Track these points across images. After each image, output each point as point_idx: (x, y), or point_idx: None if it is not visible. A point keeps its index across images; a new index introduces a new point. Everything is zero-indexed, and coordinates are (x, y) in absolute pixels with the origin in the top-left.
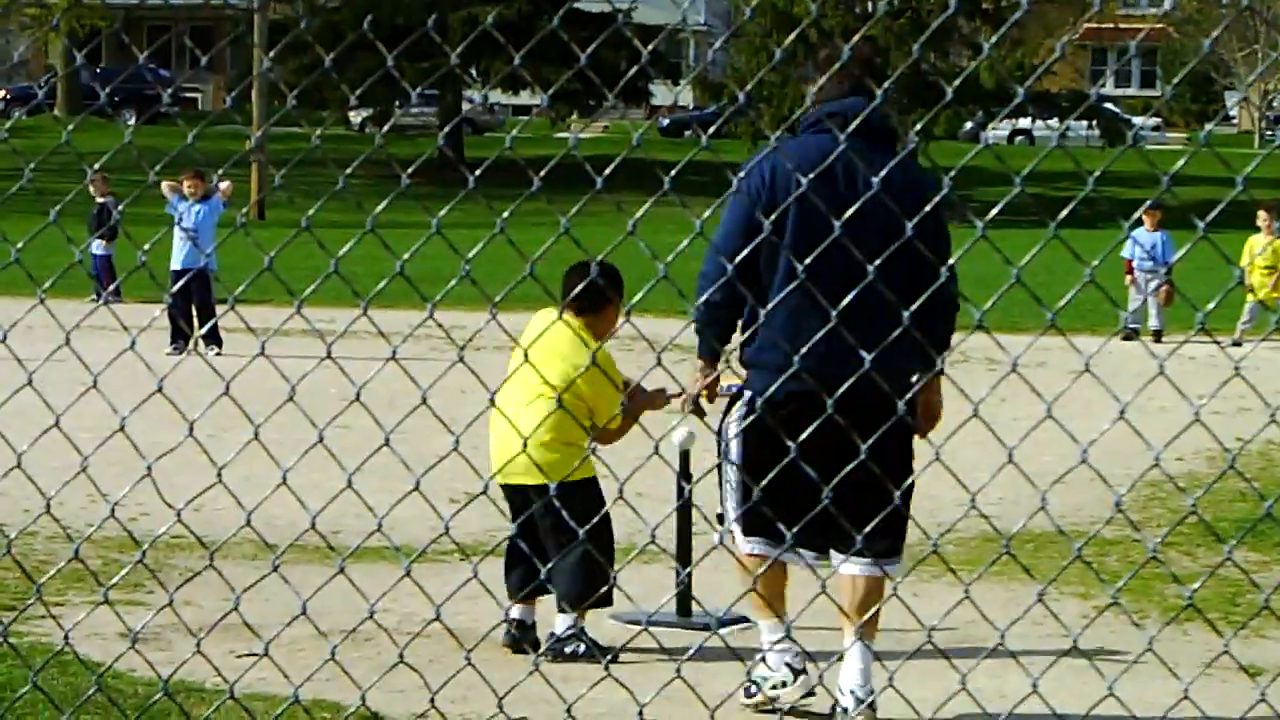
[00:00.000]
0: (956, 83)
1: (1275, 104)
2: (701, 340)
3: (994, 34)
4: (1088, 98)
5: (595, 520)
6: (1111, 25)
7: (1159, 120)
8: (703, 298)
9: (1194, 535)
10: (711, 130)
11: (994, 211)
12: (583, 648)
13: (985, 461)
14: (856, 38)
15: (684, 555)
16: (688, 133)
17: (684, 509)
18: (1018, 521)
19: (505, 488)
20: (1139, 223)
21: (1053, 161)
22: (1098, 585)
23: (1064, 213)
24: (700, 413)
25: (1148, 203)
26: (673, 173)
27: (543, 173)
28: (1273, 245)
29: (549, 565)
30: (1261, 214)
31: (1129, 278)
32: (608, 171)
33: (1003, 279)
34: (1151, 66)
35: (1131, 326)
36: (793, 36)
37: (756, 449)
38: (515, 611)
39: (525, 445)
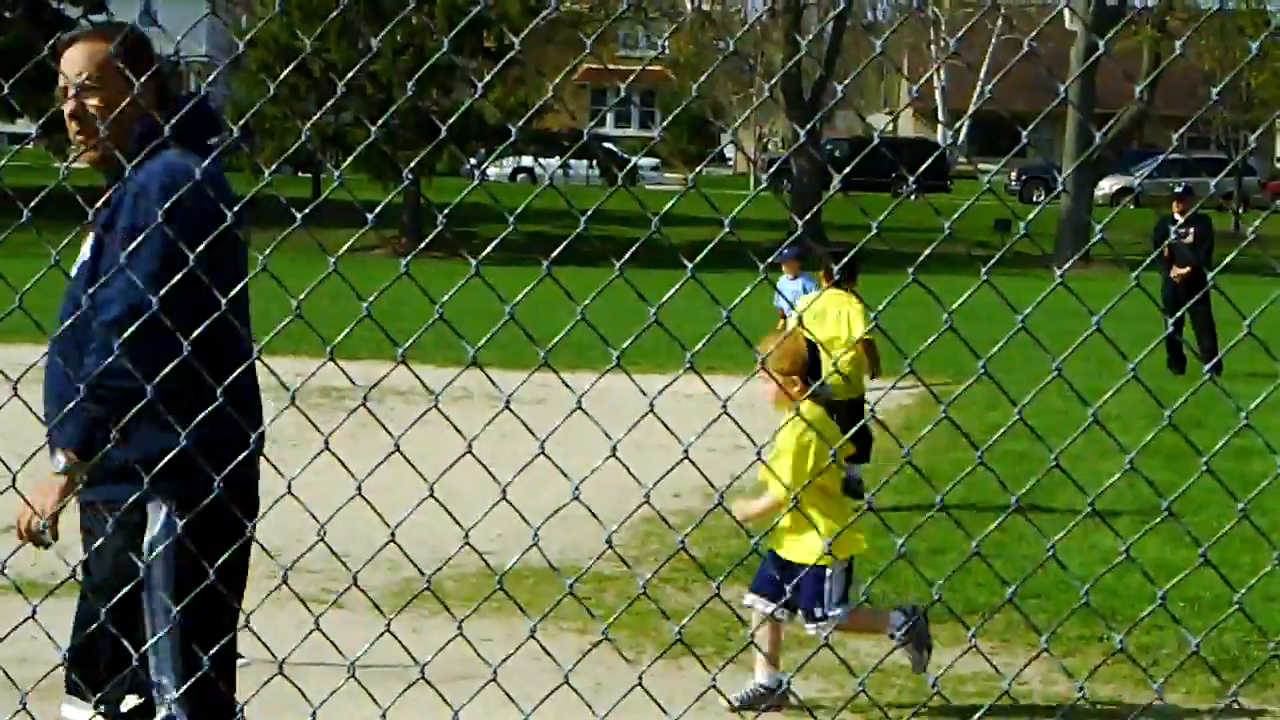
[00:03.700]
0: (451, 120)
1: (770, 147)
2: None
3: (493, 72)
4: (588, 137)
5: None
6: (610, 67)
7: (658, 160)
8: None
9: (690, 571)
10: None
11: (490, 248)
12: None
13: (486, 498)
14: (354, 70)
15: None
16: None
17: None
18: (517, 557)
19: None
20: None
21: (555, 199)
22: (595, 621)
23: (557, 251)
24: None
25: (786, 252)
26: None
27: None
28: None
29: None
30: None
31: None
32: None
33: (501, 316)
34: (651, 108)
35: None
36: (292, 66)
37: None
38: None
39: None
